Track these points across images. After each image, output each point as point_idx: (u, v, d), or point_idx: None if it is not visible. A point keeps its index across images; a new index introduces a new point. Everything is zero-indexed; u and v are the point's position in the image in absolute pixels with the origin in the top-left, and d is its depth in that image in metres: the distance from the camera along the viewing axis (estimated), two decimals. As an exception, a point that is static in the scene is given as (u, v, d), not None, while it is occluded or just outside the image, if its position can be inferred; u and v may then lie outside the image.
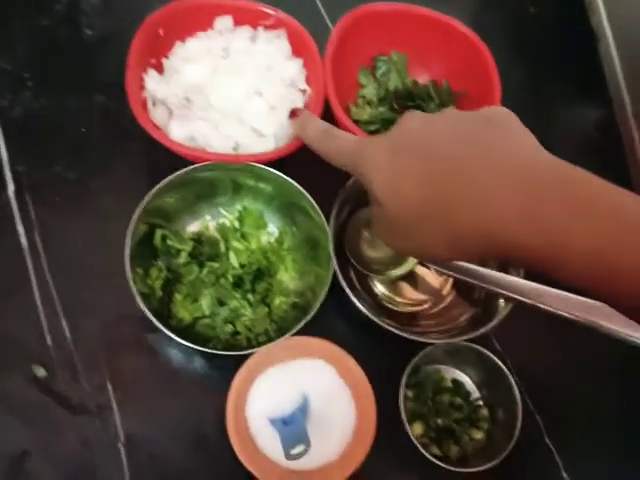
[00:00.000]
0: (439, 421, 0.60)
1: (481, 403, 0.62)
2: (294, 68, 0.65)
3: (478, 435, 0.60)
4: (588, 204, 0.31)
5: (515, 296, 0.50)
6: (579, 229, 0.31)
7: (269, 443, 0.55)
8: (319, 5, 0.77)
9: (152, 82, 0.62)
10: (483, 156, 0.34)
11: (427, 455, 0.56)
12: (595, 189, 0.32)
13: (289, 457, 0.53)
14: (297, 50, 0.66)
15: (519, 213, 0.32)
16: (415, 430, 0.59)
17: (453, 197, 0.34)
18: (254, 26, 0.66)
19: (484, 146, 0.35)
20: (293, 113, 0.56)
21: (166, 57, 0.65)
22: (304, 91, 0.65)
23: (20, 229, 0.62)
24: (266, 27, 0.66)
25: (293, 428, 0.55)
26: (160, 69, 0.64)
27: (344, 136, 0.46)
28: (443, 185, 0.34)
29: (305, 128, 0.50)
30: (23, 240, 0.62)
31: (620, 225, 0.31)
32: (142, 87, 0.62)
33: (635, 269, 0.30)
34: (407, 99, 0.69)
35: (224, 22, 0.65)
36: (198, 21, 0.65)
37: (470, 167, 0.34)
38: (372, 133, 0.68)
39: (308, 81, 0.65)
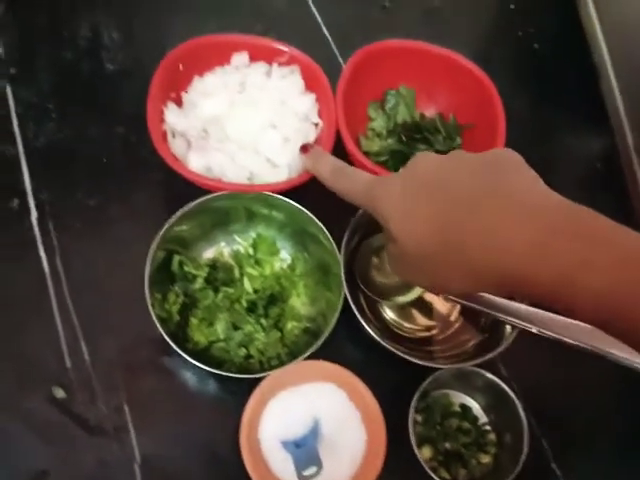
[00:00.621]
0: (447, 445, 0.61)
1: (489, 428, 0.63)
2: (307, 102, 0.68)
3: (486, 459, 0.61)
4: (597, 241, 0.32)
5: (521, 323, 0.52)
6: (589, 265, 0.32)
7: (281, 465, 0.57)
8: (331, 42, 0.80)
9: (172, 115, 0.64)
10: (493, 196, 0.36)
11: (436, 478, 0.57)
12: (603, 226, 0.34)
13: (301, 479, 0.55)
14: (310, 85, 0.69)
15: (530, 247, 0.33)
16: (424, 454, 0.60)
17: (466, 235, 0.36)
18: (269, 62, 0.69)
19: (494, 186, 0.36)
20: (304, 148, 0.57)
21: (185, 91, 0.68)
22: (317, 124, 0.68)
23: (42, 254, 0.64)
24: (280, 63, 0.69)
25: (305, 450, 0.56)
26: (179, 102, 0.67)
27: (355, 174, 0.47)
28: (456, 224, 0.36)
29: (317, 164, 0.52)
30: (45, 264, 0.64)
31: (629, 262, 0.31)
32: (162, 120, 0.64)
33: None
34: (415, 132, 0.72)
35: (241, 58, 0.68)
36: (216, 57, 0.68)
37: (481, 206, 0.36)
38: (382, 164, 0.70)
39: (320, 115, 0.68)
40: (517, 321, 0.52)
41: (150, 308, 0.55)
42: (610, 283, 0.31)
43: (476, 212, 0.36)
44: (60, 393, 0.59)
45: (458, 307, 0.68)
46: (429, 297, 0.67)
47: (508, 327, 0.60)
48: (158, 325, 0.54)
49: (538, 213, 0.34)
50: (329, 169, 0.50)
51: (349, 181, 0.47)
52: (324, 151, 0.53)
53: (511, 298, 0.60)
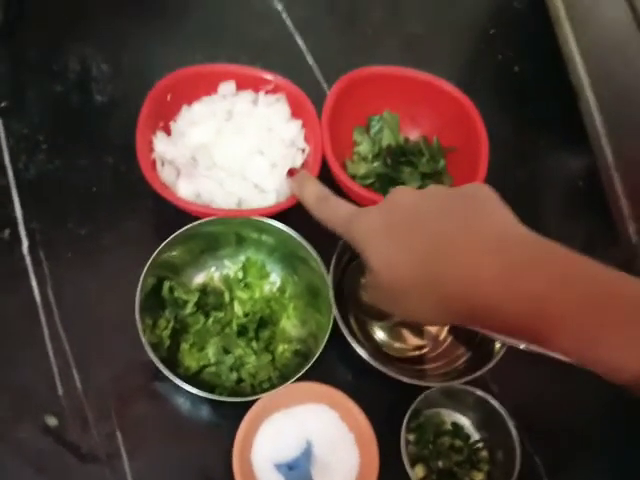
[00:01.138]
0: (440, 464, 0.61)
1: (481, 445, 0.64)
2: (293, 129, 0.69)
3: (478, 477, 0.61)
4: (564, 272, 0.34)
5: (508, 339, 0.52)
6: (554, 296, 0.33)
7: (275, 488, 0.56)
8: (315, 69, 0.82)
9: (161, 144, 0.66)
10: (465, 232, 0.38)
11: (429, 497, 0.57)
12: (569, 259, 0.35)
13: (294, 501, 0.55)
14: (296, 112, 0.70)
15: (497, 277, 0.35)
16: (417, 473, 0.60)
17: (440, 267, 0.37)
18: (256, 90, 0.71)
19: (466, 221, 0.38)
20: (291, 172, 0.60)
21: (174, 120, 0.69)
22: (303, 150, 0.69)
23: (34, 283, 0.65)
24: (267, 91, 0.70)
25: (298, 473, 0.56)
26: (168, 131, 0.69)
27: (338, 204, 0.49)
28: (431, 257, 0.38)
29: (302, 190, 0.53)
30: (36, 294, 0.64)
31: (596, 292, 0.33)
32: (151, 149, 0.66)
33: (614, 343, 0.32)
34: (400, 155, 0.74)
35: (227, 87, 0.70)
36: (203, 86, 0.70)
37: (454, 239, 0.38)
38: (368, 187, 0.72)
39: (307, 140, 0.70)
40: (505, 337, 0.52)
41: (141, 334, 0.56)
42: (577, 311, 0.33)
43: (450, 247, 0.37)
44: (52, 421, 0.59)
45: (447, 326, 0.69)
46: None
47: (497, 344, 0.61)
48: (149, 351, 0.55)
49: (505, 247, 0.36)
50: (313, 195, 0.52)
51: (331, 210, 0.48)
52: (310, 177, 0.55)
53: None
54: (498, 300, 0.35)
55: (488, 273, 0.35)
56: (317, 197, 0.51)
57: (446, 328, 0.69)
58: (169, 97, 0.68)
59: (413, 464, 0.60)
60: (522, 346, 0.52)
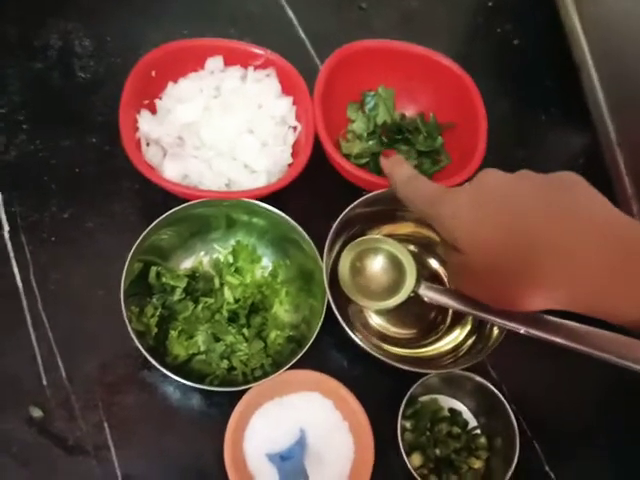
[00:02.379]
0: (437, 451, 0.60)
1: (479, 432, 0.62)
2: (284, 106, 0.66)
3: (477, 464, 0.60)
4: None
5: (509, 324, 0.50)
6: None
7: (267, 479, 0.55)
8: (307, 44, 0.79)
9: (145, 123, 0.63)
10: (564, 216, 0.36)
11: (427, 487, 0.55)
12: None
13: (288, 493, 0.53)
14: (287, 88, 0.68)
15: (610, 272, 0.34)
16: (414, 461, 0.59)
17: (536, 251, 0.36)
18: (244, 66, 0.68)
19: (564, 206, 0.37)
20: (386, 154, 0.59)
21: (159, 98, 0.66)
22: (295, 128, 0.67)
23: (15, 269, 0.62)
24: (256, 67, 0.67)
25: (291, 463, 0.55)
26: (153, 109, 0.66)
27: (427, 184, 0.48)
28: (527, 233, 0.36)
29: (393, 170, 0.52)
30: (18, 280, 0.62)
31: None
32: (136, 128, 0.63)
33: None
34: (395, 132, 0.71)
35: (215, 62, 0.67)
36: (189, 62, 0.67)
37: (552, 225, 0.36)
38: (362, 167, 0.69)
39: (298, 118, 0.67)
40: (505, 322, 0.50)
41: (127, 322, 0.54)
42: None
43: (547, 231, 0.36)
44: (37, 412, 0.57)
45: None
46: (415, 301, 0.66)
47: (495, 328, 0.59)
48: (136, 339, 0.53)
49: (611, 234, 0.35)
50: (404, 174, 0.50)
51: (419, 188, 0.47)
52: (404, 161, 0.54)
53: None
54: (612, 296, 0.35)
55: (600, 266, 0.34)
56: (407, 176, 0.50)
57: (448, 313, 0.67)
58: (154, 73, 0.65)
59: (410, 452, 0.59)
60: (522, 330, 0.50)
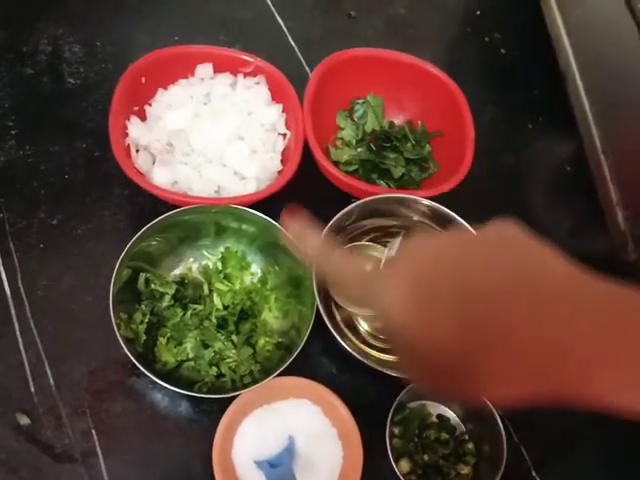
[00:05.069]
0: (426, 457, 0.60)
1: (467, 437, 0.62)
2: (274, 113, 0.67)
3: (465, 470, 0.60)
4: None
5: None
6: None
7: (256, 486, 0.55)
8: (297, 51, 0.79)
9: (135, 129, 0.63)
10: (522, 281, 0.30)
11: (415, 493, 0.56)
12: None
13: (276, 500, 0.53)
14: (276, 95, 0.68)
15: (590, 339, 0.29)
16: (402, 468, 0.59)
17: (498, 329, 0.30)
18: (234, 73, 0.68)
19: (519, 271, 0.31)
20: (289, 212, 0.45)
21: (149, 104, 0.66)
22: (284, 135, 0.67)
23: (3, 276, 0.62)
24: (246, 74, 0.68)
25: (280, 470, 0.54)
26: (143, 116, 0.66)
27: (351, 258, 0.39)
28: (481, 319, 0.30)
29: (304, 239, 0.42)
30: (6, 286, 0.62)
31: None
32: (125, 134, 0.63)
33: None
34: (384, 140, 0.72)
35: (205, 69, 0.67)
36: (179, 69, 0.67)
37: (510, 296, 0.30)
38: (351, 174, 0.70)
39: (288, 125, 0.67)
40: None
41: (116, 329, 0.53)
42: None
43: (509, 307, 0.30)
44: (24, 420, 0.57)
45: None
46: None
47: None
48: (124, 346, 0.53)
49: (580, 302, 0.29)
50: (318, 246, 0.41)
51: (341, 264, 0.38)
52: (310, 225, 0.42)
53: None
54: (596, 366, 0.28)
55: (577, 338, 0.28)
56: (322, 248, 0.40)
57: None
58: (144, 80, 0.65)
59: (398, 459, 0.59)
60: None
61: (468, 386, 0.32)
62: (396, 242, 0.41)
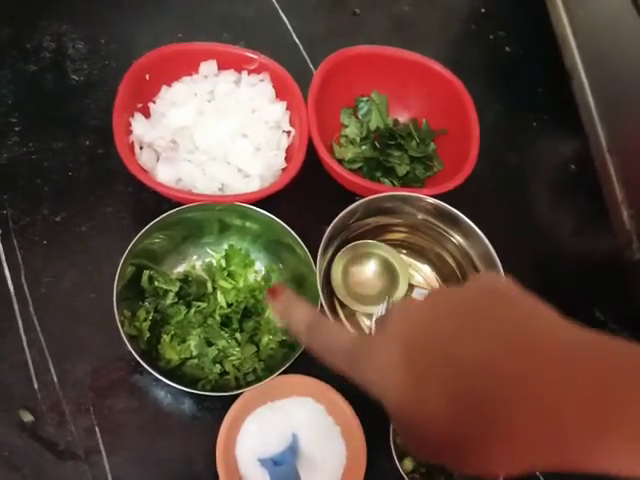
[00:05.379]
0: (429, 456, 0.60)
1: (470, 437, 0.62)
2: (278, 110, 0.67)
3: (469, 469, 0.60)
4: None
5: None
6: None
7: (259, 484, 0.55)
8: (301, 48, 0.79)
9: (139, 126, 0.63)
10: (512, 351, 0.28)
11: (418, 491, 0.55)
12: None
13: (280, 498, 0.53)
14: (280, 93, 0.68)
15: (588, 402, 0.26)
16: (406, 467, 0.59)
17: (499, 409, 0.28)
18: (238, 70, 0.68)
19: (506, 339, 0.29)
20: (273, 292, 0.42)
21: (152, 101, 0.66)
22: (288, 132, 0.67)
23: (7, 273, 0.62)
24: (250, 71, 0.68)
25: (283, 468, 0.54)
26: (147, 113, 0.66)
27: (335, 332, 0.37)
28: (481, 400, 0.28)
29: (289, 312, 0.40)
30: (9, 283, 0.61)
31: None
32: (129, 131, 0.63)
33: None
34: (388, 138, 0.71)
35: (209, 66, 0.67)
36: (183, 66, 0.67)
37: (503, 364, 0.28)
38: (355, 171, 0.69)
39: (292, 123, 0.67)
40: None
41: (119, 326, 0.53)
42: None
43: (497, 379, 0.28)
44: (28, 417, 0.57)
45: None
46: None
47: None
48: (128, 343, 0.53)
49: (572, 363, 0.27)
50: (305, 320, 0.39)
51: (328, 339, 0.37)
52: (297, 298, 0.41)
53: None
54: (594, 437, 0.26)
55: (572, 404, 0.26)
56: (310, 320, 0.39)
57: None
58: (148, 77, 0.65)
59: (402, 457, 0.59)
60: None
61: (466, 460, 0.30)
62: (381, 308, 0.41)
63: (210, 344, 0.59)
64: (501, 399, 0.27)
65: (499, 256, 0.59)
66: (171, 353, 0.58)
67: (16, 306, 0.61)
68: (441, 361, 0.30)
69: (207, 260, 0.64)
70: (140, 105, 0.65)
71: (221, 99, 0.66)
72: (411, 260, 0.68)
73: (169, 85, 0.67)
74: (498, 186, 0.77)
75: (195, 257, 0.64)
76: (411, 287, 0.60)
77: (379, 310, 0.38)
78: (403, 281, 0.61)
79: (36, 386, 0.58)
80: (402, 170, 0.70)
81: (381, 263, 0.63)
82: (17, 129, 0.69)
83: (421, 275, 0.68)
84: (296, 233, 0.59)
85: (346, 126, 0.73)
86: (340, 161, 0.70)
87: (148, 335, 0.58)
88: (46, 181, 0.66)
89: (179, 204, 0.59)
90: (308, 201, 0.69)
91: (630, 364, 0.26)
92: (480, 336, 0.29)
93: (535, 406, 0.27)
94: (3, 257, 0.62)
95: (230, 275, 0.63)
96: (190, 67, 0.67)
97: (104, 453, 0.57)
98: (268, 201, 0.61)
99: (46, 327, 0.60)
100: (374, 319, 0.38)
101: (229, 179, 0.63)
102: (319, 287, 0.57)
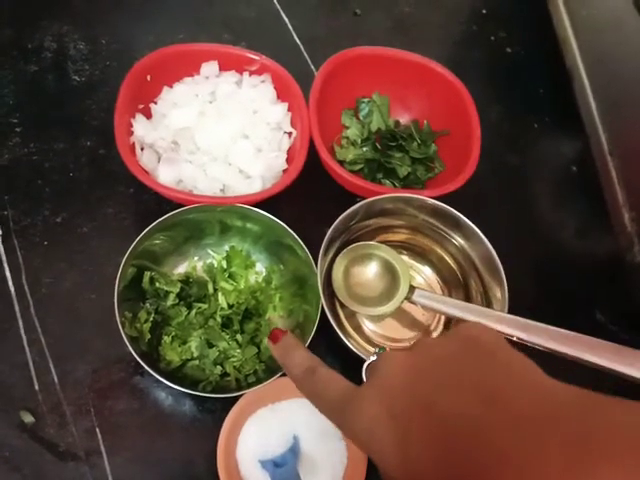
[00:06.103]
0: (430, 458, 0.60)
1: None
2: (279, 112, 0.67)
3: (469, 471, 0.60)
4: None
5: (502, 329, 0.51)
6: None
7: (260, 486, 0.55)
8: (303, 50, 0.79)
9: (140, 127, 0.63)
10: (490, 403, 0.29)
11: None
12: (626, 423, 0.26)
13: (281, 499, 0.53)
14: (282, 94, 0.68)
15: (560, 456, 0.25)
16: (406, 468, 0.59)
17: (474, 463, 0.28)
18: (239, 71, 0.68)
19: (487, 394, 0.29)
20: (274, 336, 0.44)
21: (154, 102, 0.66)
22: (290, 133, 0.67)
23: (7, 273, 0.62)
24: (251, 72, 0.68)
25: (284, 470, 0.54)
26: (148, 114, 0.66)
27: (329, 381, 0.37)
28: (464, 458, 0.28)
29: (287, 358, 0.42)
30: (10, 284, 0.61)
31: None
32: (130, 132, 0.63)
33: None
34: (389, 139, 0.71)
35: (210, 67, 0.67)
36: (185, 67, 0.67)
37: (480, 419, 0.28)
38: (356, 173, 0.69)
39: (293, 124, 0.67)
40: (497, 327, 0.51)
41: (120, 327, 0.53)
42: None
43: (479, 438, 0.28)
44: (28, 418, 0.57)
45: (437, 316, 0.67)
46: (408, 307, 0.66)
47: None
48: (129, 345, 0.52)
49: (550, 423, 0.27)
50: (300, 367, 0.40)
51: (321, 387, 0.37)
52: (297, 342, 0.43)
53: (488, 303, 0.60)
54: None
55: (548, 467, 0.25)
56: (305, 369, 0.39)
57: (436, 318, 0.67)
58: (149, 78, 0.65)
59: (403, 459, 0.59)
60: (515, 338, 0.50)
61: None
62: (372, 357, 0.40)
63: (211, 345, 0.59)
64: (481, 458, 0.27)
65: (500, 258, 0.59)
66: (172, 354, 0.58)
67: (17, 307, 0.61)
68: (424, 418, 0.30)
69: (208, 261, 0.64)
70: (141, 106, 0.65)
71: (222, 100, 0.66)
72: (412, 261, 0.68)
73: (170, 86, 0.67)
74: (499, 187, 0.77)
75: (196, 258, 0.64)
76: (412, 289, 0.60)
77: (370, 359, 0.39)
78: (404, 282, 0.61)
79: (37, 387, 0.58)
80: (403, 171, 0.70)
81: (382, 264, 0.63)
82: (18, 130, 0.69)
83: (422, 276, 0.68)
84: (297, 234, 0.59)
85: (347, 127, 0.73)
86: (341, 162, 0.70)
87: (149, 336, 0.57)
88: (47, 182, 0.66)
89: (180, 205, 0.59)
90: (309, 202, 0.69)
91: (607, 422, 0.25)
92: (460, 390, 0.29)
93: (515, 468, 0.26)
94: (4, 258, 0.62)
95: (231, 276, 0.63)
96: (191, 68, 0.67)
97: (105, 454, 0.57)
98: (269, 202, 0.61)
99: (47, 328, 0.60)
100: (364, 367, 0.39)
101: (230, 180, 0.63)
102: (320, 288, 0.57)
